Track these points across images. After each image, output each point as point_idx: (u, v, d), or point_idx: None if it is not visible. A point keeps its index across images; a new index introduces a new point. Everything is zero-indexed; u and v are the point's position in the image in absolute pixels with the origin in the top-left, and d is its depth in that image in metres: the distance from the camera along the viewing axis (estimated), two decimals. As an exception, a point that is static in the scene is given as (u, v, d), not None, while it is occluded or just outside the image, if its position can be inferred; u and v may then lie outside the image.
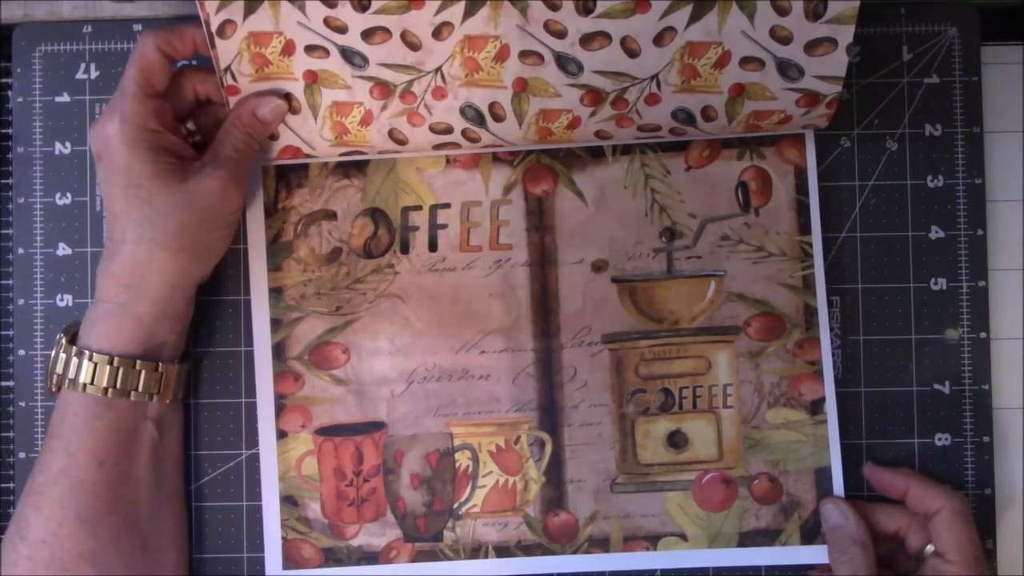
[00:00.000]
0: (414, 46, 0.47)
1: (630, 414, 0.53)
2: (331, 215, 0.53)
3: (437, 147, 0.51)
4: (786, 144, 0.53)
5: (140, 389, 0.48)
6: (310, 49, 0.47)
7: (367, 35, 0.46)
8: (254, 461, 0.53)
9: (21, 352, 0.53)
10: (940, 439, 0.53)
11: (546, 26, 0.46)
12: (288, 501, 0.53)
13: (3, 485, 0.53)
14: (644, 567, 0.52)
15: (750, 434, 0.53)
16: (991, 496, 0.53)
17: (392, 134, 0.50)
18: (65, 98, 0.54)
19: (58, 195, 0.54)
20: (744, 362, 0.53)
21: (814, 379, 0.53)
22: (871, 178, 0.54)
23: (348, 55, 0.47)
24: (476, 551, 0.53)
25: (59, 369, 0.48)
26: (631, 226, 0.53)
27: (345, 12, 0.46)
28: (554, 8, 0.45)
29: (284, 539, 0.52)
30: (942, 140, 0.54)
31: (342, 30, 0.46)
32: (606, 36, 0.46)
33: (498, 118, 0.49)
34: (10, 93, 0.54)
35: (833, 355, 0.53)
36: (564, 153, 0.53)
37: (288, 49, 0.47)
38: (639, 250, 0.53)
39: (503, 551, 0.52)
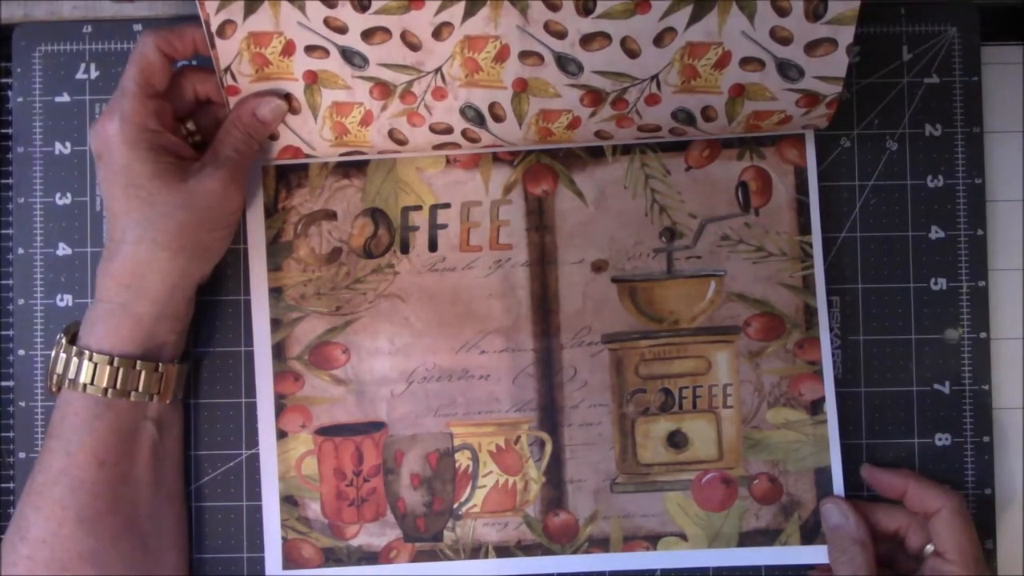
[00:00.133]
0: (414, 46, 0.47)
1: (630, 414, 0.53)
2: (331, 215, 0.53)
3: (437, 147, 0.51)
4: (786, 144, 0.53)
5: (140, 389, 0.48)
6: (310, 49, 0.47)
7: (367, 35, 0.46)
8: (254, 461, 0.53)
9: (21, 352, 0.53)
10: (940, 439, 0.53)
11: (546, 26, 0.46)
12: (288, 501, 0.53)
13: (3, 485, 0.53)
14: (644, 567, 0.52)
15: (750, 434, 0.53)
16: (991, 496, 0.53)
17: (392, 134, 0.50)
18: (65, 98, 0.54)
19: (58, 195, 0.54)
20: (744, 362, 0.53)
21: (814, 379, 0.53)
22: (871, 178, 0.54)
23: (348, 55, 0.47)
24: (476, 551, 0.53)
25: (59, 369, 0.48)
26: (631, 226, 0.53)
27: (345, 12, 0.46)
28: (554, 8, 0.45)
29: (284, 539, 0.52)
30: (942, 140, 0.54)
31: (342, 30, 0.46)
32: (606, 36, 0.46)
33: (498, 118, 0.49)
34: (10, 93, 0.54)
35: (833, 355, 0.53)
36: (564, 153, 0.53)
37: (288, 49, 0.47)
38: (639, 250, 0.53)
39: (503, 551, 0.53)
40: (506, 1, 0.45)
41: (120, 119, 0.46)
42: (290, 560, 0.52)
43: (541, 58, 0.47)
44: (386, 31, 0.46)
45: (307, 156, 0.52)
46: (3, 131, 0.54)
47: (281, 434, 0.53)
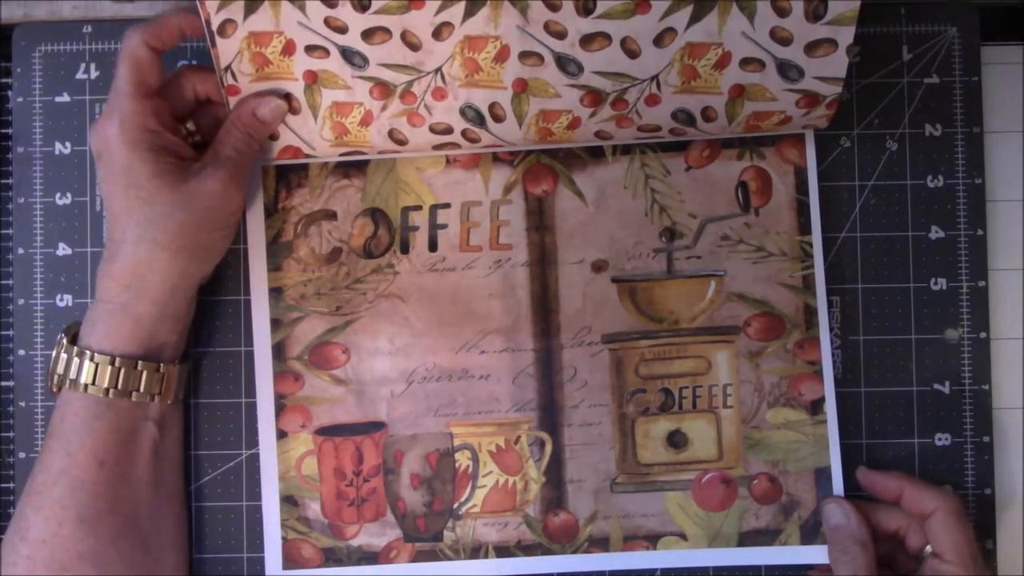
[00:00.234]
0: (414, 46, 0.47)
1: (630, 414, 0.53)
2: (331, 215, 0.53)
3: (437, 147, 0.51)
4: (786, 144, 0.53)
5: (142, 390, 0.48)
6: (310, 49, 0.47)
7: (367, 35, 0.46)
8: (254, 461, 0.53)
9: (21, 352, 0.53)
10: (940, 439, 0.53)
11: (546, 27, 0.46)
12: (288, 501, 0.53)
13: (3, 485, 0.53)
14: (644, 567, 0.52)
15: (750, 434, 0.53)
16: (991, 496, 0.53)
17: (392, 134, 0.50)
18: (65, 98, 0.54)
19: (58, 195, 0.54)
20: (744, 362, 0.53)
21: (814, 379, 0.53)
22: (871, 178, 0.54)
23: (348, 55, 0.47)
24: (476, 551, 0.53)
25: (60, 369, 0.48)
26: (631, 226, 0.53)
27: (345, 12, 0.46)
28: (554, 9, 0.45)
29: (284, 539, 0.52)
30: (942, 140, 0.54)
31: (342, 30, 0.46)
32: (606, 37, 0.46)
33: (498, 118, 0.49)
34: (10, 93, 0.54)
35: (833, 355, 0.53)
36: (564, 153, 0.53)
37: (288, 49, 0.47)
38: (639, 250, 0.53)
39: (503, 551, 0.53)
40: (506, 1, 0.45)
41: (120, 120, 0.46)
42: (290, 560, 0.52)
43: (541, 58, 0.47)
44: (386, 31, 0.46)
45: (307, 156, 0.52)
46: (3, 131, 0.54)
47: (281, 434, 0.53)
